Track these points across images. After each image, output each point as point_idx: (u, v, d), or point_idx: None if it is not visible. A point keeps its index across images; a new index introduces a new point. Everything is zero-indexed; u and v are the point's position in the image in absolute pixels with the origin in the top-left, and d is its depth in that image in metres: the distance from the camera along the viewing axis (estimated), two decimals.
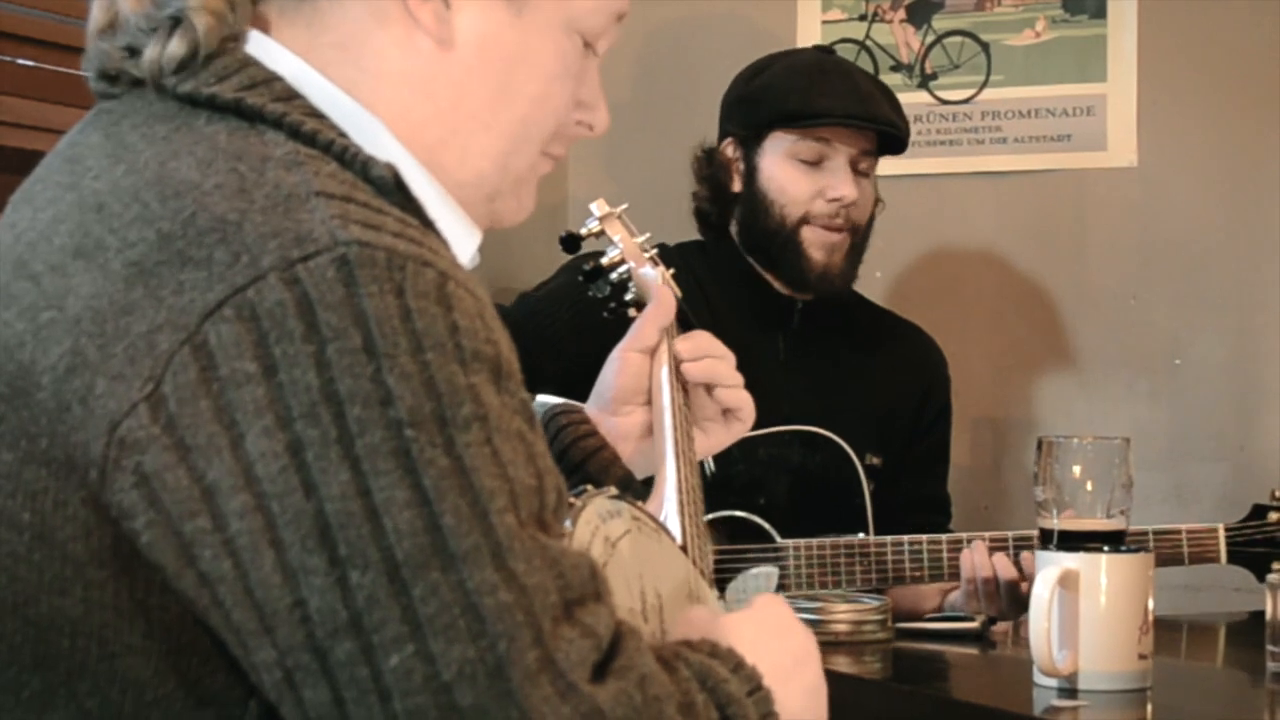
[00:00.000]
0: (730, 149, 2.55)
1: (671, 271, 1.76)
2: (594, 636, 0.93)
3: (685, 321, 1.68)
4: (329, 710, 0.90)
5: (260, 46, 1.07)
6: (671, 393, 1.57)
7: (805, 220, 2.48)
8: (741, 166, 2.53)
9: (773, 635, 1.10)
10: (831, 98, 2.47)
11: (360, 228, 0.94)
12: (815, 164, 2.48)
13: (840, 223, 2.49)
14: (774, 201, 2.49)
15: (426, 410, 0.91)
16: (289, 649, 0.90)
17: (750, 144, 2.52)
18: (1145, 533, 2.22)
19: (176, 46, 1.05)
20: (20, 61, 2.14)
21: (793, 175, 2.48)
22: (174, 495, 0.91)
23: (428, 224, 1.03)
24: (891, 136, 2.51)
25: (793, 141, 2.48)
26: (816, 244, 2.49)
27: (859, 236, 2.53)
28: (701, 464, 1.61)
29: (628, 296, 1.74)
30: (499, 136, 1.13)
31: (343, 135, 1.04)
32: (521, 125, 1.14)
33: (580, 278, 1.76)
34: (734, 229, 2.56)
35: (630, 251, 1.74)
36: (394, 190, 1.02)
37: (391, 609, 0.89)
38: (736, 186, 2.54)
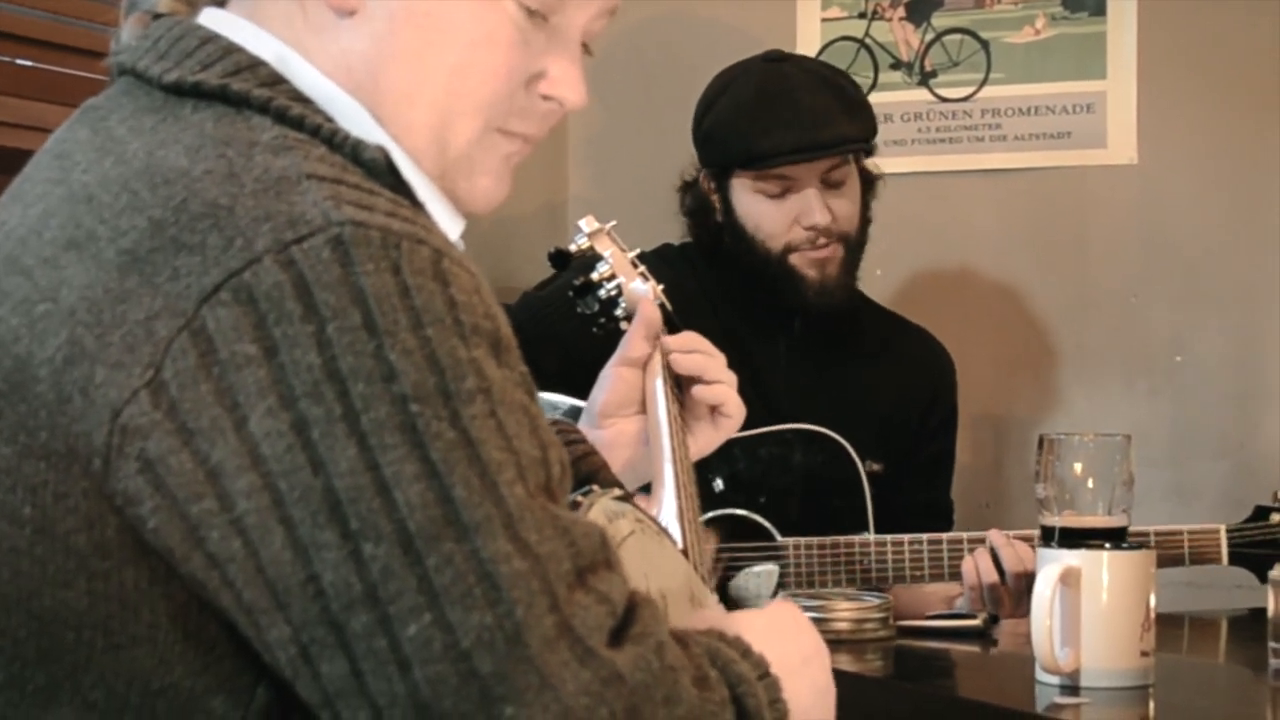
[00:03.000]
0: (705, 181, 2.53)
1: (662, 286, 1.75)
2: (608, 603, 0.93)
3: (674, 330, 1.68)
4: (347, 682, 0.90)
5: (239, 30, 1.07)
6: (667, 402, 1.57)
7: (790, 249, 2.46)
8: (718, 199, 2.51)
9: (783, 633, 1.11)
10: (779, 132, 2.41)
11: (353, 208, 0.95)
12: (783, 195, 2.45)
13: (825, 241, 2.46)
14: (753, 237, 2.46)
15: (430, 385, 0.91)
16: (304, 624, 0.90)
17: (720, 179, 2.50)
18: (1146, 533, 2.21)
19: (137, 22, 1.08)
20: (18, 61, 2.14)
21: (764, 210, 2.46)
22: (179, 479, 0.91)
23: (418, 206, 1.04)
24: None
25: (754, 179, 2.45)
26: (807, 265, 2.46)
27: (851, 242, 2.50)
28: (709, 481, 1.62)
29: (618, 311, 1.74)
30: (425, 110, 1.08)
31: (329, 120, 1.04)
32: (446, 97, 1.08)
33: (570, 294, 1.76)
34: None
35: (620, 266, 1.74)
36: (386, 172, 1.02)
37: (407, 580, 0.89)
38: (720, 217, 2.52)
